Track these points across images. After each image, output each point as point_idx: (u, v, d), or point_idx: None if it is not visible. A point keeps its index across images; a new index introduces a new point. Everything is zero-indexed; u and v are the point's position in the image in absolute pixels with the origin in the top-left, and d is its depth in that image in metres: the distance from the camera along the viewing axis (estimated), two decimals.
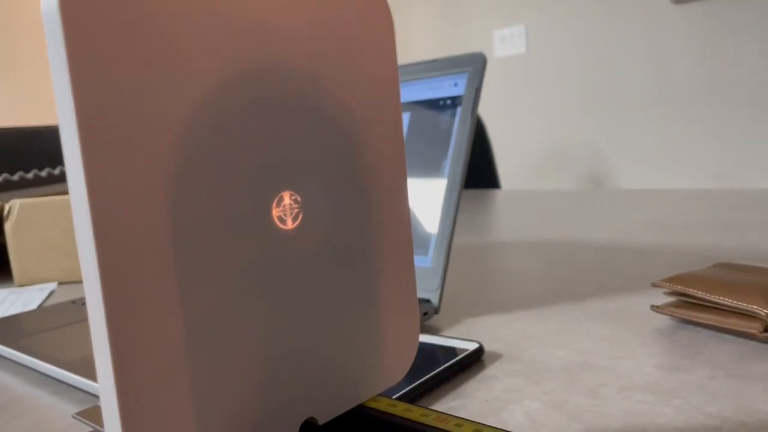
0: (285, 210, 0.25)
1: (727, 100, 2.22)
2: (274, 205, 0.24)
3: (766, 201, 0.97)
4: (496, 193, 1.43)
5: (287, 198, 0.26)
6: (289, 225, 0.25)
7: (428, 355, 0.42)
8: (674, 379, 0.37)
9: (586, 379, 0.38)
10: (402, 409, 0.27)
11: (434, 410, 0.28)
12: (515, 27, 2.75)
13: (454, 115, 0.57)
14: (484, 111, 2.88)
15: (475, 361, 0.42)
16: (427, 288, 0.53)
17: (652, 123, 2.41)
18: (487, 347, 0.45)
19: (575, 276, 0.63)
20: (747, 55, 2.15)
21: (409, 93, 0.61)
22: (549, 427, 0.33)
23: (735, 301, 0.41)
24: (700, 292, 0.43)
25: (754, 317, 0.40)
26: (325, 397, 0.26)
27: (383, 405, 0.28)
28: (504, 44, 2.78)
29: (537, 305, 0.54)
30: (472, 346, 0.43)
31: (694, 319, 0.44)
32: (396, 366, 0.29)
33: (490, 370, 0.41)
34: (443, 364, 0.40)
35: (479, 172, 1.96)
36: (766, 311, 0.39)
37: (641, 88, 2.42)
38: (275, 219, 0.24)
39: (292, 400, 0.25)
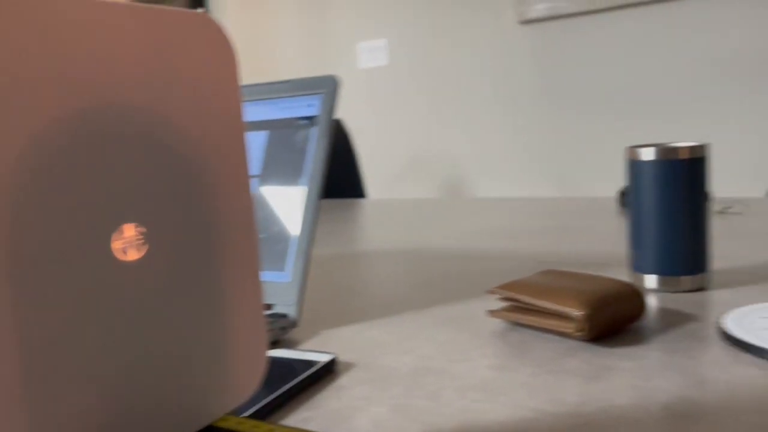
0: (128, 241, 0.26)
1: (568, 114, 2.43)
2: (114, 236, 0.25)
3: (599, 208, 1.08)
4: (362, 202, 1.47)
5: (131, 230, 0.26)
6: (132, 255, 0.26)
7: (283, 369, 0.44)
8: (503, 378, 0.42)
9: (428, 382, 0.42)
10: (249, 426, 0.29)
11: (281, 425, 0.30)
12: (378, 40, 2.83)
13: (310, 134, 0.59)
14: (351, 121, 2.93)
15: (328, 372, 0.45)
16: (285, 303, 0.55)
17: (502, 134, 2.59)
18: (341, 357, 0.48)
19: (425, 283, 0.67)
20: (586, 71, 2.37)
21: (266, 112, 0.63)
22: (392, 431, 0.36)
23: (554, 305, 0.46)
24: (527, 297, 0.48)
25: (570, 318, 0.46)
26: (172, 419, 0.27)
27: (232, 423, 0.29)
28: (368, 56, 2.86)
29: (389, 313, 0.58)
30: (325, 359, 0.45)
31: (523, 322, 0.49)
32: (244, 385, 0.30)
33: (343, 380, 0.44)
34: (297, 378, 0.42)
35: (345, 181, 2.00)
36: (578, 312, 0.45)
37: (492, 101, 2.59)
38: (116, 250, 0.25)
39: (138, 424, 0.26)
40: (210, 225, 0.29)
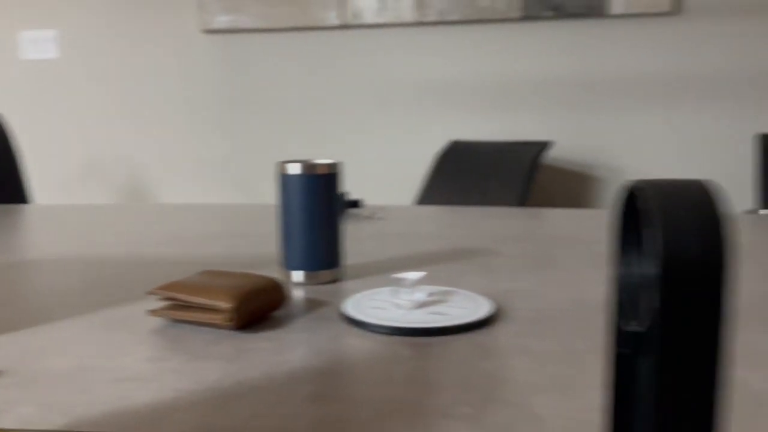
0: None
1: (248, 122, 2.54)
2: None
3: (269, 213, 1.18)
4: (25, 208, 1.35)
5: None
6: None
7: None
8: (157, 367, 0.46)
9: (84, 379, 0.44)
10: None
11: None
12: (46, 30, 2.58)
13: None
14: (13, 118, 2.62)
15: None
16: None
17: (185, 139, 2.59)
18: None
19: (89, 289, 0.67)
20: (263, 83, 2.51)
21: None
22: (37, 425, 0.38)
23: (207, 300, 0.53)
24: (183, 295, 0.54)
25: (220, 311, 0.53)
26: None
27: None
28: (33, 47, 2.58)
29: (49, 320, 0.57)
30: None
31: (181, 318, 0.54)
32: None
33: None
34: None
35: (4, 185, 1.79)
36: (226, 305, 0.52)
37: (175, 106, 2.57)
38: None
39: None
40: None
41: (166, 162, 2.62)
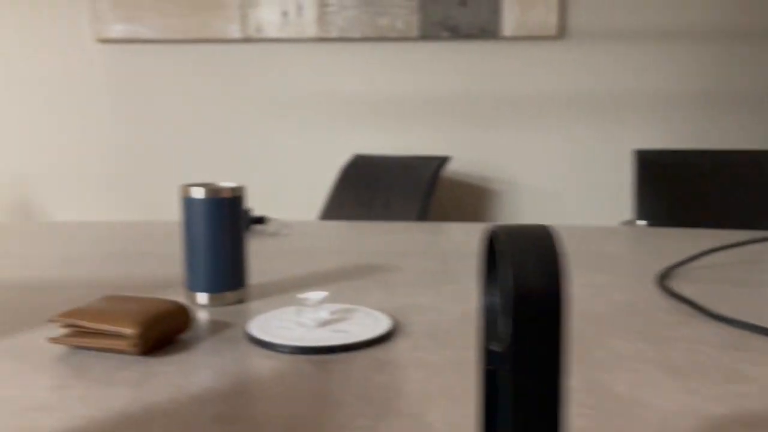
0: None
1: (144, 136, 2.48)
2: None
3: (168, 231, 1.17)
4: None
5: None
6: None
7: None
8: (62, 395, 0.47)
9: None
10: None
11: None
12: None
13: None
14: None
15: None
16: None
17: (76, 153, 2.49)
18: None
19: None
20: (159, 95, 2.46)
21: None
22: None
23: (111, 326, 0.53)
24: (86, 322, 0.54)
25: (124, 337, 0.53)
26: None
27: None
28: None
29: None
30: None
31: (84, 345, 0.55)
32: None
33: None
34: None
35: None
36: (130, 331, 0.53)
37: (67, 117, 2.47)
38: None
39: None
40: None
41: (57, 178, 2.50)
